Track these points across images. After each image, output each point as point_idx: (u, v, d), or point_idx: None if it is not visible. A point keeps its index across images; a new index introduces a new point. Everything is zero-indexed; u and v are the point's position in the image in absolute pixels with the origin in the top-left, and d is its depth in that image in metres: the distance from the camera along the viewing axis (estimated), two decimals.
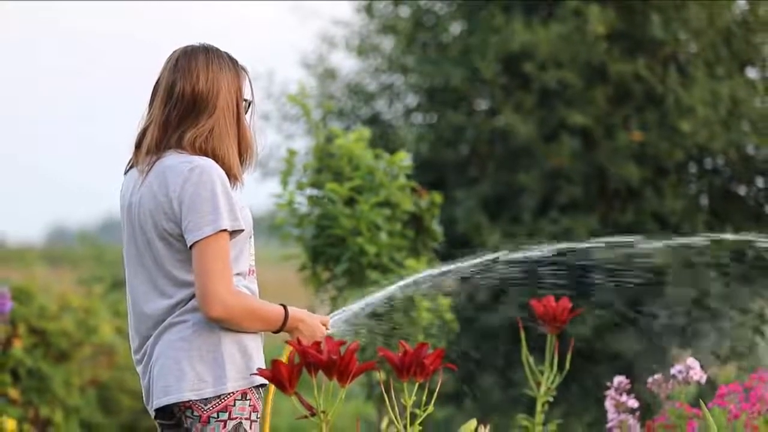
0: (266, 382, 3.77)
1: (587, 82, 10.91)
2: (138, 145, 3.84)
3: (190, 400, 3.71)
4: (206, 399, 3.72)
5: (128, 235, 3.82)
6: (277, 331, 3.80)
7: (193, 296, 3.72)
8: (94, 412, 9.28)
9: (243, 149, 3.85)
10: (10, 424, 5.98)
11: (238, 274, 3.77)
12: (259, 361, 3.78)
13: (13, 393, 8.29)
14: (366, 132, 7.04)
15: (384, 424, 5.79)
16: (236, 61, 3.88)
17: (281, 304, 3.82)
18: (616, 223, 10.89)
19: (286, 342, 3.62)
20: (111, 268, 13.80)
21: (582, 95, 10.86)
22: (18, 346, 8.41)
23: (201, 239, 3.66)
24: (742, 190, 11.37)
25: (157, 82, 3.84)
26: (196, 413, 3.72)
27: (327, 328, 3.92)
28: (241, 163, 3.86)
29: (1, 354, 7.99)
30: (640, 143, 10.76)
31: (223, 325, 3.70)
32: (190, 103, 3.78)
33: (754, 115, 10.87)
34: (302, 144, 11.77)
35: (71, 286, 11.34)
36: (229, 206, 3.69)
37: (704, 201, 11.38)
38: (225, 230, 3.67)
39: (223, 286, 3.66)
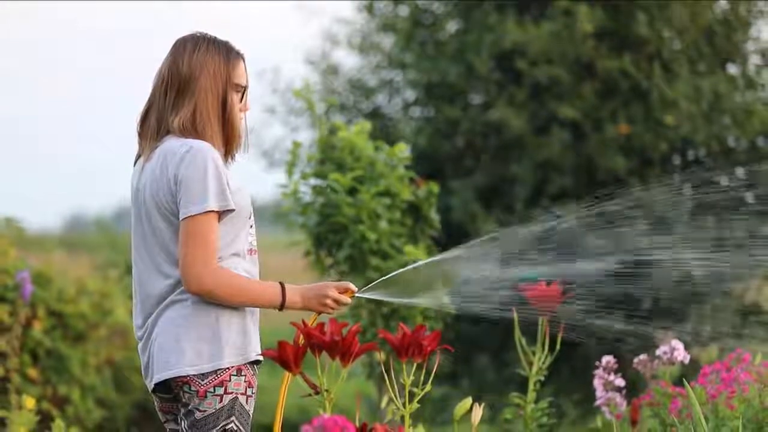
0: (261, 358, 3.77)
1: (576, 77, 10.90)
2: (140, 133, 3.84)
3: (188, 375, 3.71)
4: (203, 374, 3.71)
5: (135, 219, 3.83)
6: (281, 309, 3.78)
7: None
8: (109, 390, 9.27)
9: (228, 132, 3.82)
10: (30, 401, 5.97)
11: (235, 254, 3.76)
12: (255, 339, 3.79)
13: (33, 372, 8.29)
14: (367, 125, 7.03)
15: (384, 402, 5.78)
16: (231, 48, 3.85)
17: (279, 282, 3.81)
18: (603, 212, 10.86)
19: (291, 323, 3.60)
20: (125, 254, 13.77)
21: (571, 90, 10.85)
22: (37, 328, 8.40)
23: (187, 217, 3.65)
24: (723, 181, 11.36)
25: (157, 71, 3.85)
26: (193, 388, 3.72)
27: (335, 297, 3.86)
28: (227, 145, 3.84)
29: (22, 335, 7.99)
30: (626, 136, 10.75)
31: (207, 299, 3.69)
32: (176, 88, 3.78)
33: (735, 109, 10.86)
34: (306, 136, 11.76)
35: (88, 271, 11.33)
36: (220, 187, 3.68)
37: (687, 191, 11.36)
38: (212, 210, 3.67)
39: (201, 262, 3.64)
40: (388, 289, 4.14)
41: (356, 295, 3.91)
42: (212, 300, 3.69)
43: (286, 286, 3.79)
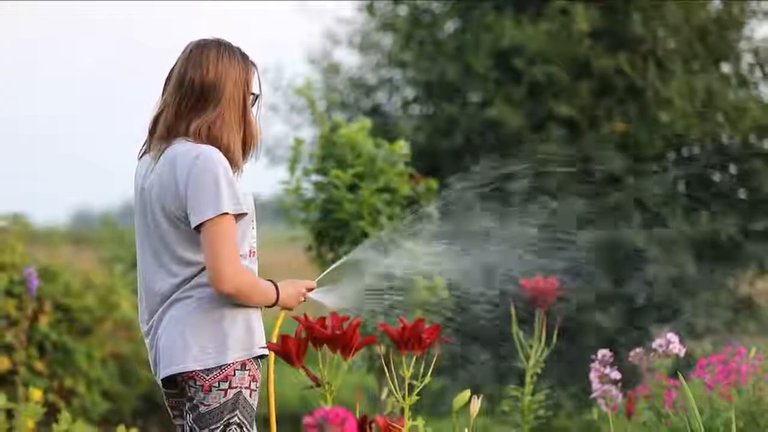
0: (265, 353, 3.77)
1: (573, 76, 10.89)
2: (151, 132, 3.83)
3: (194, 371, 3.70)
4: (208, 369, 3.71)
5: (140, 217, 3.82)
6: (271, 306, 3.81)
7: (196, 274, 3.73)
8: (114, 383, 9.27)
9: (247, 139, 3.84)
10: (37, 394, 5.97)
11: (240, 255, 3.76)
12: (260, 334, 3.80)
13: (40, 365, 8.28)
14: (367, 122, 7.02)
15: (384, 394, 5.77)
16: (246, 56, 3.86)
17: (269, 280, 3.82)
18: (599, 208, 10.87)
19: (293, 317, 3.59)
20: (130, 249, 13.79)
21: (568, 88, 10.84)
22: (44, 322, 8.40)
23: (204, 222, 3.66)
24: (716, 177, 11.35)
25: (170, 72, 3.83)
26: (198, 383, 3.72)
27: (305, 294, 3.94)
28: (245, 152, 3.84)
29: (28, 329, 7.99)
30: (621, 133, 10.75)
31: (232, 300, 3.69)
32: (198, 93, 3.76)
33: (728, 107, 10.85)
34: (308, 133, 11.75)
35: (94, 266, 11.33)
36: (231, 191, 3.68)
37: (681, 187, 11.37)
38: (227, 213, 3.66)
39: (232, 265, 3.65)
40: (343, 280, 4.16)
41: (308, 295, 3.96)
42: (236, 299, 3.70)
43: (278, 284, 3.82)
